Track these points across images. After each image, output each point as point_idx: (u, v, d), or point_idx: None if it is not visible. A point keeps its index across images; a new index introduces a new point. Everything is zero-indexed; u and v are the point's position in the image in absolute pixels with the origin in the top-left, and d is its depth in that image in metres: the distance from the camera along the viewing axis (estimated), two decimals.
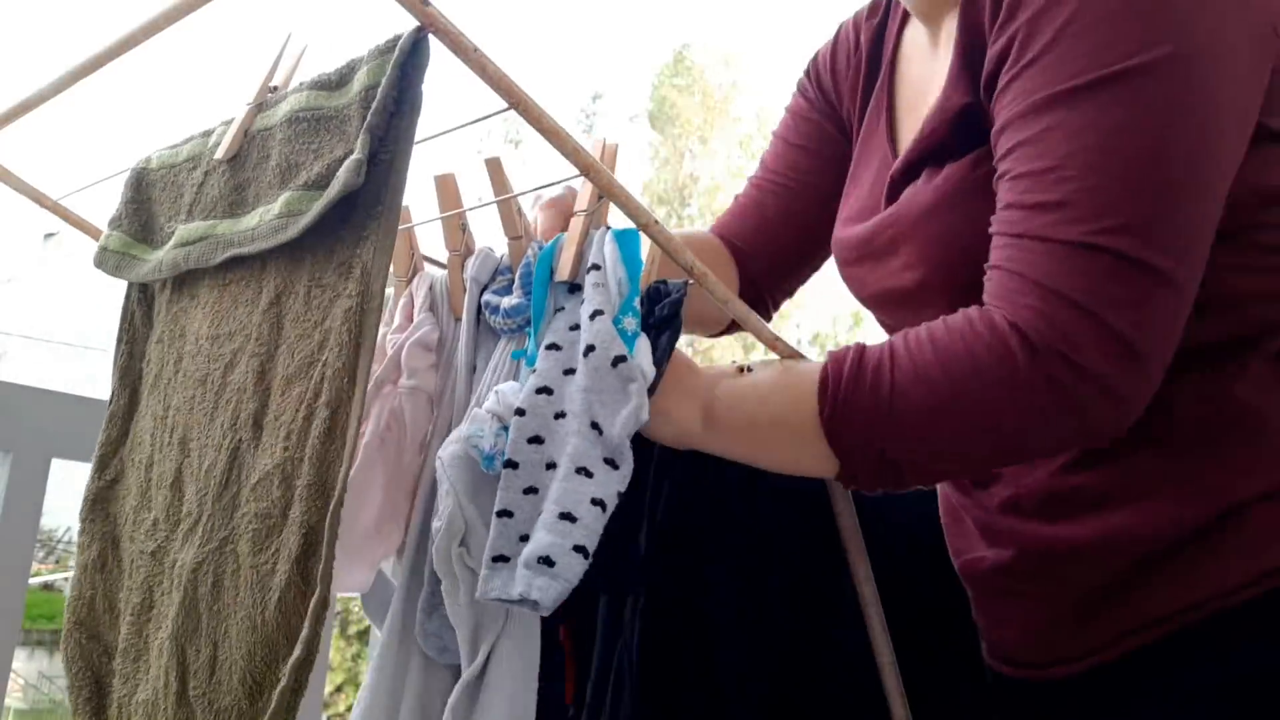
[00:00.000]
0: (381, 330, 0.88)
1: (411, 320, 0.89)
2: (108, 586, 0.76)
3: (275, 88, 0.74)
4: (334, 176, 0.63)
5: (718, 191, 14.49)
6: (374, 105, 0.61)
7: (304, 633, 0.56)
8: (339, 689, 8.43)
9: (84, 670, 0.76)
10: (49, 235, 19.88)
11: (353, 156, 0.61)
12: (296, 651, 0.56)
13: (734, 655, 0.98)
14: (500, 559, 0.70)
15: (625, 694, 0.87)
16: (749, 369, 1.09)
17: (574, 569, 0.66)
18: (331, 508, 0.58)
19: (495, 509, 0.72)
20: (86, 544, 0.78)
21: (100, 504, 0.79)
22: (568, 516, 0.68)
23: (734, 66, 15.24)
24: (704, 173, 14.73)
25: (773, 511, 1.09)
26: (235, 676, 0.60)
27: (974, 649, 1.39)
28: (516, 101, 0.65)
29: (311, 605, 0.56)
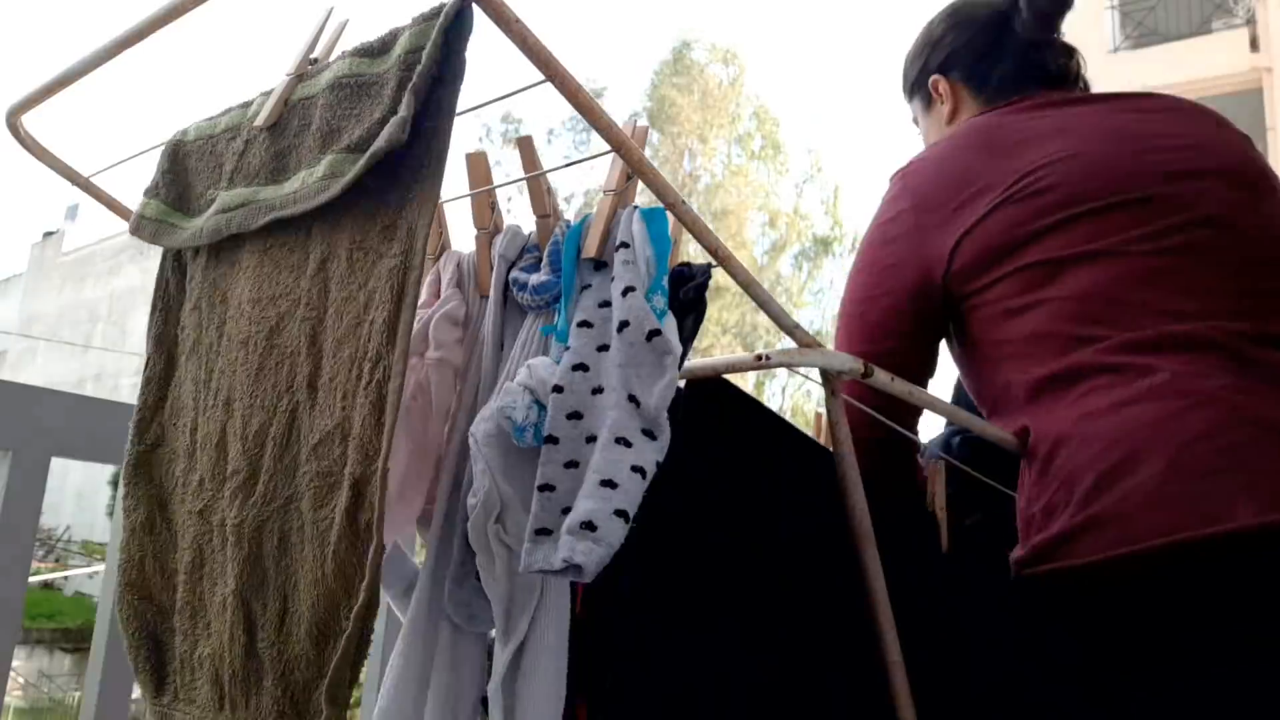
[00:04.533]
0: None
1: (439, 296, 0.89)
2: (157, 548, 0.77)
3: (315, 60, 0.75)
4: (375, 137, 0.64)
5: (718, 190, 14.50)
6: (418, 69, 0.62)
7: (365, 580, 0.57)
8: None
9: (140, 630, 0.77)
10: (48, 234, 19.87)
11: (398, 115, 0.62)
12: (361, 598, 0.57)
13: (738, 644, 0.98)
14: (543, 532, 0.71)
15: (630, 675, 0.87)
16: (767, 357, 1.10)
17: (615, 533, 0.67)
18: (381, 459, 0.59)
19: (537, 483, 0.73)
20: (133, 507, 0.79)
21: (143, 468, 0.80)
22: (609, 483, 0.69)
23: (734, 65, 15.26)
24: (704, 172, 14.75)
25: (783, 505, 1.09)
26: (303, 627, 0.61)
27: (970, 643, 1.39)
28: (554, 75, 0.66)
29: (371, 553, 0.57)
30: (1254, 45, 8.18)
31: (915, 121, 1.40)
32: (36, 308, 19.06)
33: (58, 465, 1.05)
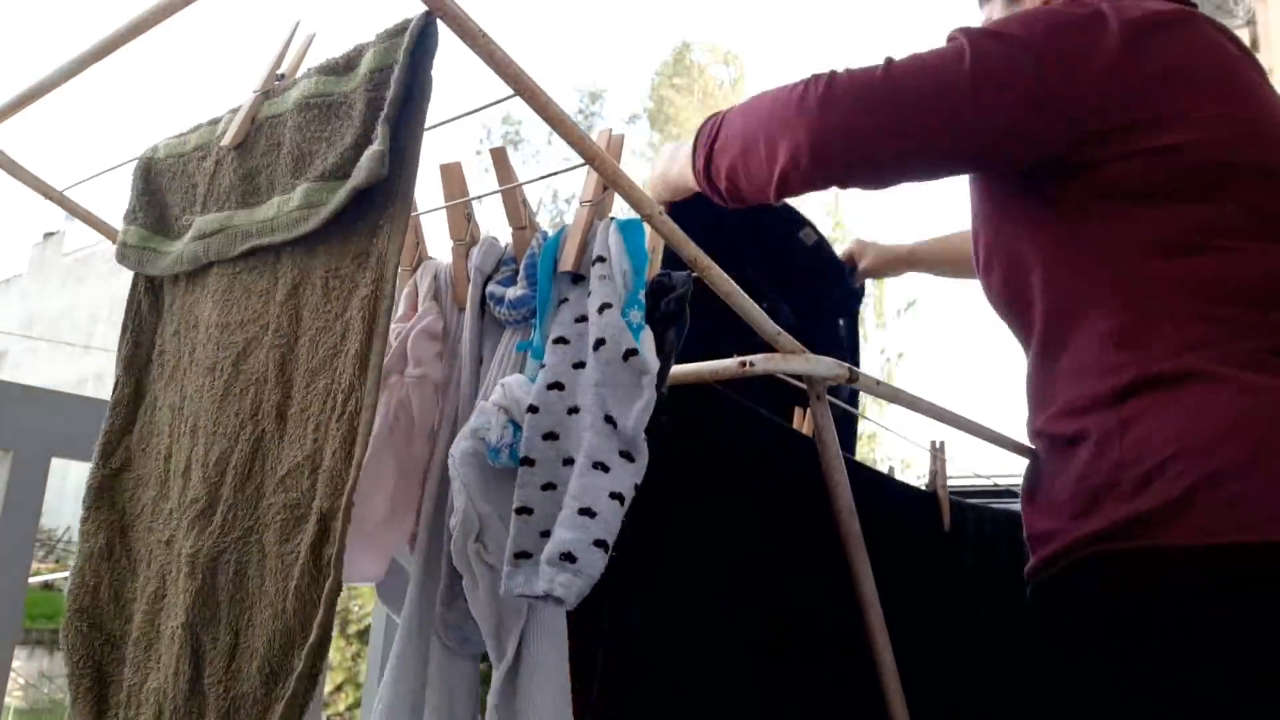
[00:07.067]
0: None
1: (416, 310, 0.89)
2: (114, 575, 0.76)
3: (283, 75, 0.74)
4: (350, 165, 0.63)
5: None
6: (389, 94, 0.62)
7: (318, 617, 0.56)
8: (339, 688, 8.41)
9: (85, 659, 0.75)
10: (49, 234, 19.88)
11: (374, 148, 0.61)
12: (314, 635, 0.56)
13: (730, 649, 0.98)
14: (522, 555, 0.70)
15: (624, 683, 0.87)
16: (751, 364, 1.09)
17: (595, 564, 0.66)
18: (346, 493, 0.58)
19: (514, 506, 0.72)
20: (92, 532, 0.78)
21: (106, 492, 0.79)
22: (587, 512, 0.68)
23: (734, 66, 15.23)
24: None
25: (773, 510, 1.09)
26: (254, 664, 0.60)
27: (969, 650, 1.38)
28: (523, 89, 0.65)
29: (325, 590, 0.56)
30: (1254, 46, 8.16)
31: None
32: (36, 308, 19.06)
33: (58, 465, 1.05)
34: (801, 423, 1.32)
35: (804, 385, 1.07)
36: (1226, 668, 0.79)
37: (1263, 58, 8.07)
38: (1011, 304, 1.06)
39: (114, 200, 0.90)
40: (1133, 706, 0.85)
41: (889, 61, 0.94)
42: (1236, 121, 0.92)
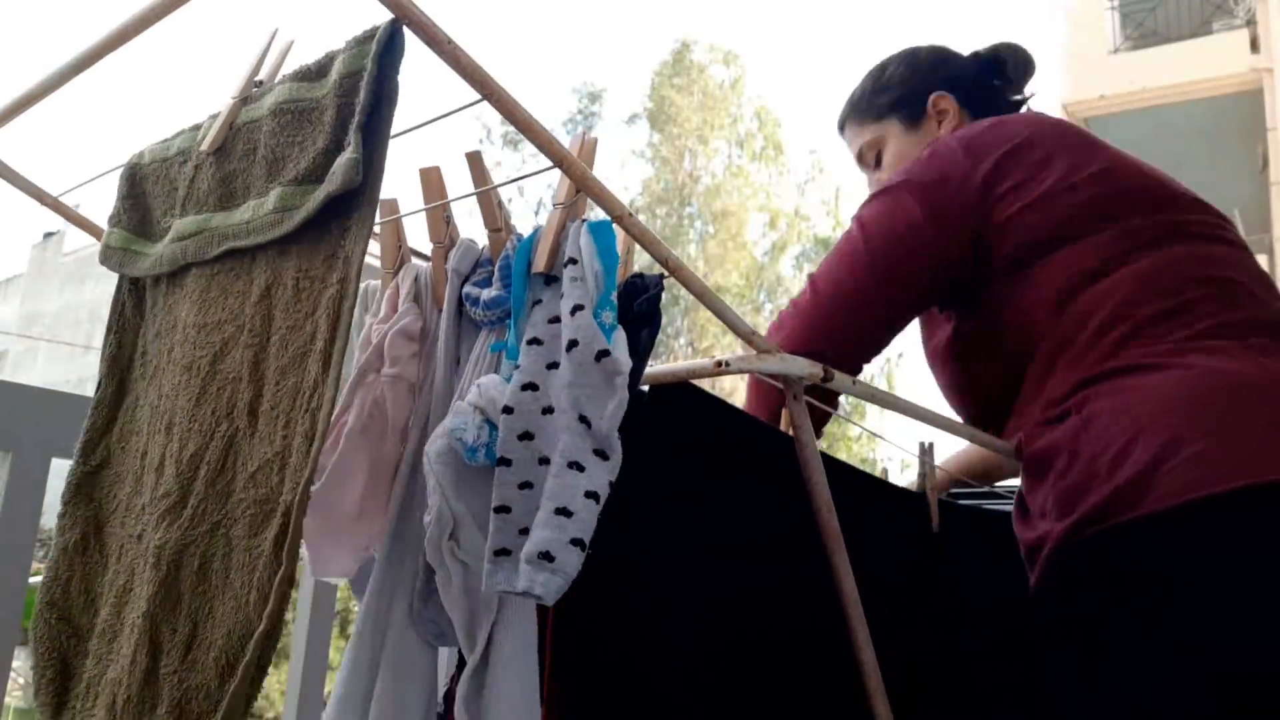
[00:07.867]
0: (368, 320, 0.90)
1: (396, 310, 0.90)
2: (86, 570, 0.77)
3: (260, 82, 0.76)
4: (322, 170, 0.65)
5: (718, 191, 14.50)
6: (359, 101, 0.63)
7: (269, 606, 0.57)
8: None
9: (50, 650, 0.77)
10: (48, 235, 19.90)
11: (348, 154, 0.63)
12: (263, 625, 0.57)
13: (709, 647, 0.99)
14: (502, 552, 0.72)
15: (601, 680, 0.88)
16: (726, 364, 1.10)
17: (572, 562, 0.68)
18: (301, 484, 0.59)
19: (493, 505, 0.74)
20: (68, 526, 0.79)
21: (84, 488, 0.80)
22: (563, 511, 0.70)
23: (734, 65, 15.24)
24: (704, 172, 14.74)
25: (755, 509, 1.10)
26: (210, 656, 0.61)
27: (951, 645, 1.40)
28: (490, 93, 0.67)
29: (276, 580, 0.58)
30: (1254, 46, 8.15)
31: (863, 153, 1.44)
32: (36, 308, 19.08)
33: (58, 465, 1.06)
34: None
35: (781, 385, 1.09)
36: (1217, 610, 0.86)
37: (1263, 58, 8.07)
38: (993, 399, 1.22)
39: (109, 204, 0.92)
40: (1137, 679, 0.91)
41: (811, 277, 1.22)
42: (1084, 169, 1.13)
